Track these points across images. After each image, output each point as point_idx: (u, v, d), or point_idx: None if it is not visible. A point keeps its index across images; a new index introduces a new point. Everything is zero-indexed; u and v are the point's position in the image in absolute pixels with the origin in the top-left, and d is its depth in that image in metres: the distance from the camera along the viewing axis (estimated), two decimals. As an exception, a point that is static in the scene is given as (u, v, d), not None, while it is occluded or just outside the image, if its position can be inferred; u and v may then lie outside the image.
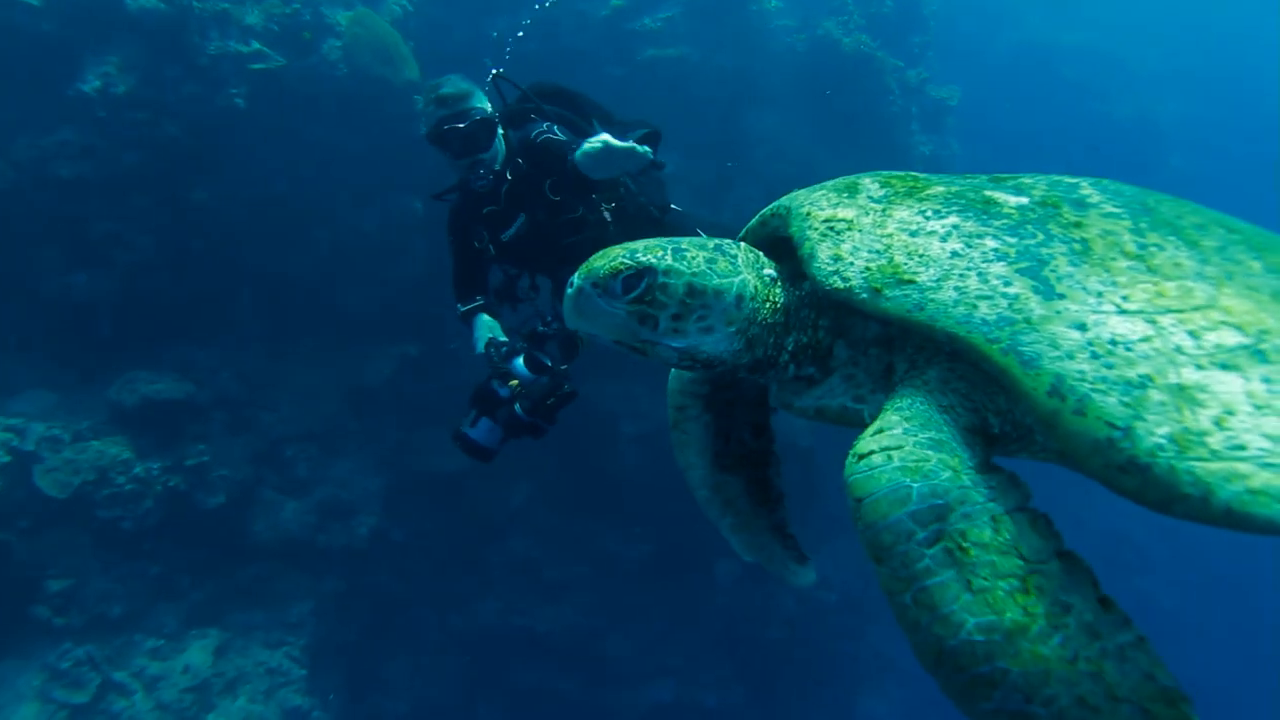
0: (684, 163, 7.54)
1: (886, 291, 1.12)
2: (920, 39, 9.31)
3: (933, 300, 1.09)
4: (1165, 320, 1.02)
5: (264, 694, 6.20)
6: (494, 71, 3.39)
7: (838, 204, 1.29)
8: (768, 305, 1.31)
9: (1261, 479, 0.90)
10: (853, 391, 1.32)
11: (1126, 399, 0.96)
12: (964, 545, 0.96)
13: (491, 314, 3.34)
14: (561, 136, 3.23)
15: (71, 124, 5.72)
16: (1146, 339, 1.01)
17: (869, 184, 1.32)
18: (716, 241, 1.33)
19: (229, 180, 6.24)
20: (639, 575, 8.66)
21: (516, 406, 2.82)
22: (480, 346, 3.10)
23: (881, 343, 1.29)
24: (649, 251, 1.25)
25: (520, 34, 6.32)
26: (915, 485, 1.01)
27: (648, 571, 8.65)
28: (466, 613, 8.24)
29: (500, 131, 3.22)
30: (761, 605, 8.96)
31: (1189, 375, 0.98)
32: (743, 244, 1.38)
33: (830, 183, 1.39)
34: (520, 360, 2.88)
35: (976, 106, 12.60)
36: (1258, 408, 0.95)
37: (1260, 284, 1.08)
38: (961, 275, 1.10)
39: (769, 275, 1.34)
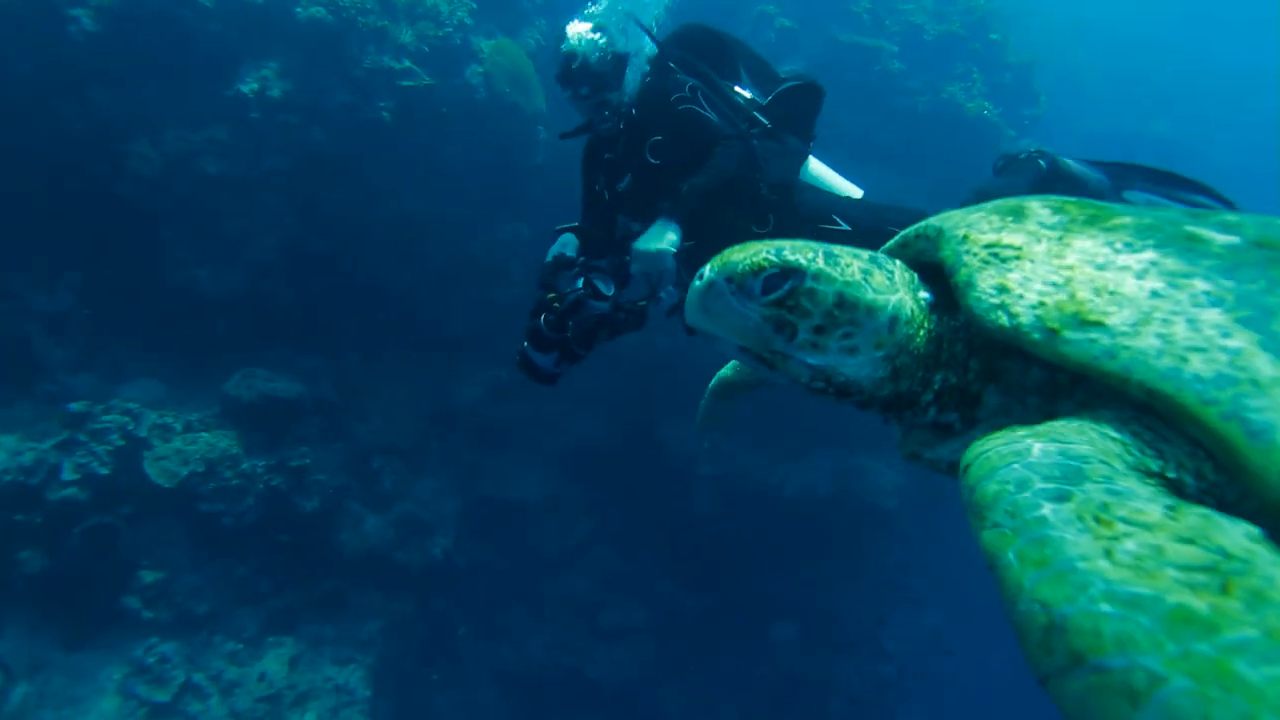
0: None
1: (1066, 333, 0.92)
2: (1031, 112, 9.34)
3: (1128, 347, 0.88)
4: None
5: (330, 712, 6.00)
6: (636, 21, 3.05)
7: (1002, 228, 1.10)
8: (922, 332, 1.13)
9: None
10: None
11: None
12: (1105, 517, 0.69)
13: (581, 239, 3.04)
14: (709, 113, 2.88)
15: (224, 122, 5.85)
16: None
17: (1038, 208, 1.13)
18: (873, 254, 1.16)
19: (361, 189, 6.33)
20: (697, 626, 8.39)
21: (542, 320, 2.61)
22: (548, 257, 2.89)
23: (1044, 391, 1.08)
24: (798, 251, 1.09)
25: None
26: (1041, 444, 0.81)
27: (706, 623, 8.38)
28: (517, 647, 8.01)
29: (632, 77, 2.96)
30: (821, 675, 8.60)
31: None
32: (899, 261, 1.20)
33: (989, 204, 1.20)
34: (579, 280, 2.67)
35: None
36: None
37: None
38: (1165, 320, 0.89)
39: (926, 299, 1.17)
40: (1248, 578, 0.61)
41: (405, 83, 6.07)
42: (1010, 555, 0.69)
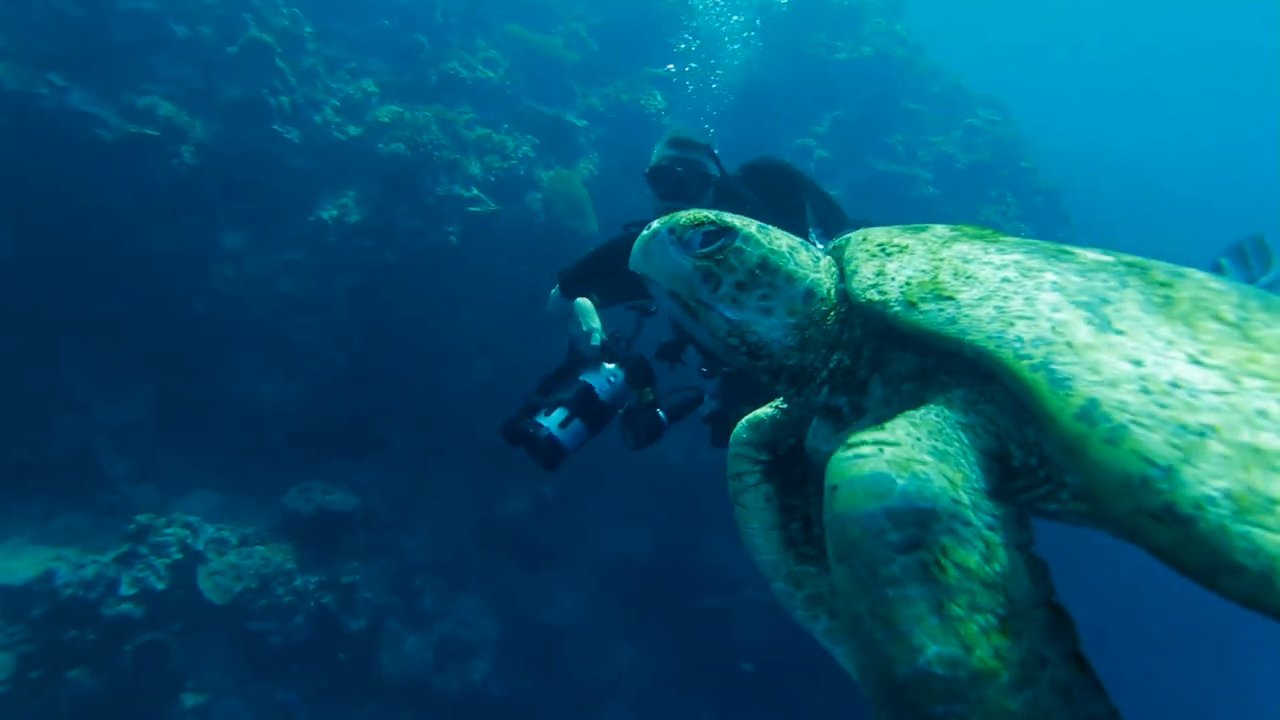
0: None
1: (921, 305, 1.05)
2: (1063, 234, 9.61)
3: (967, 315, 1.00)
4: (1251, 383, 0.88)
5: None
6: (712, 149, 3.16)
7: (898, 234, 1.25)
8: (833, 314, 1.23)
9: None
10: None
11: (1176, 440, 0.82)
12: (943, 563, 0.83)
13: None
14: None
15: (302, 245, 6.21)
16: (1220, 392, 0.87)
17: (938, 226, 1.27)
18: (805, 241, 1.29)
19: (424, 306, 6.58)
20: (745, 770, 7.81)
21: (660, 410, 2.57)
22: (596, 338, 2.71)
23: (918, 377, 1.17)
24: (736, 217, 1.23)
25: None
26: (901, 482, 0.87)
27: (756, 767, 7.80)
28: (555, 790, 7.47)
29: (711, 195, 3.01)
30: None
31: (1270, 441, 0.82)
32: (828, 257, 1.32)
33: (905, 226, 1.34)
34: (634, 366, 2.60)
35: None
36: None
37: None
38: (1006, 297, 1.01)
39: (841, 287, 1.26)
40: (1019, 621, 0.83)
41: (473, 209, 6.44)
42: (863, 607, 0.84)
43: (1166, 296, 1.01)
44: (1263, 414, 0.85)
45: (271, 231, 6.23)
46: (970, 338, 0.98)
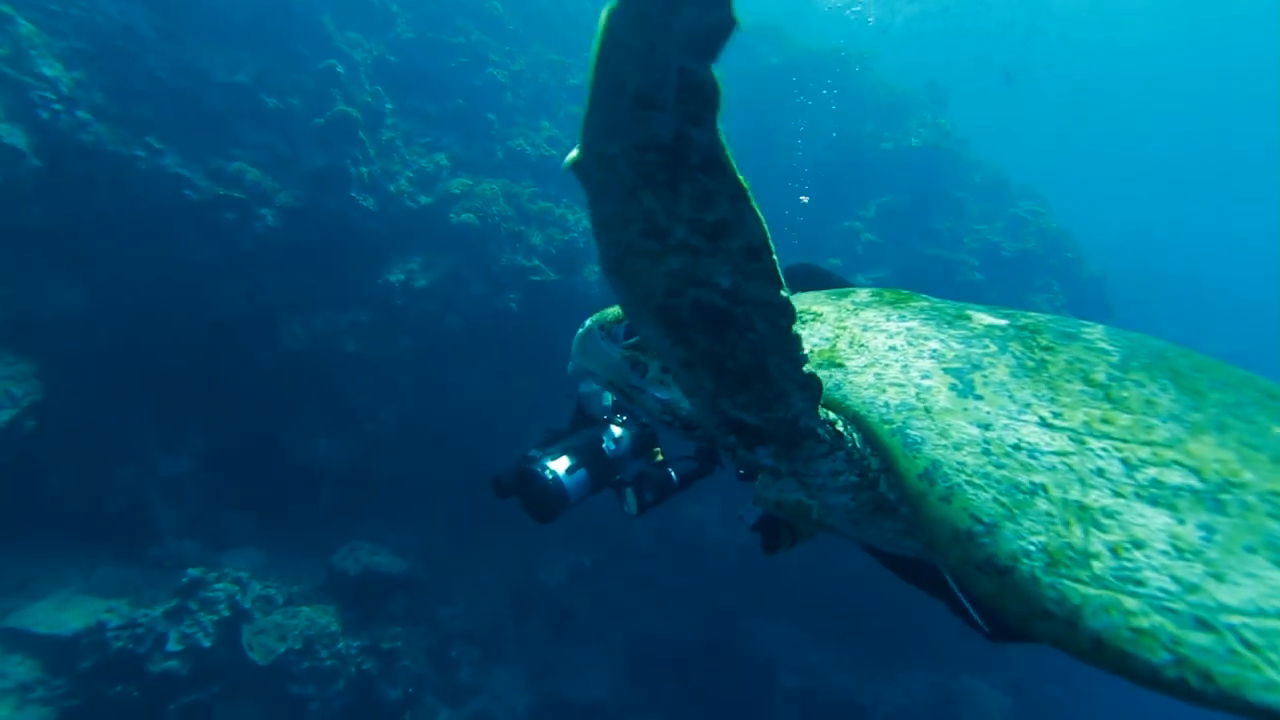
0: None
1: (818, 372, 1.14)
2: (1108, 322, 9.60)
3: (851, 383, 1.12)
4: (1096, 444, 0.97)
5: None
6: None
7: (820, 301, 1.35)
8: None
9: (1152, 621, 0.79)
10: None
11: (1004, 499, 0.91)
12: None
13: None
14: None
15: (368, 307, 6.36)
16: (1061, 453, 0.96)
17: (861, 292, 1.37)
18: None
19: (481, 370, 6.67)
20: None
21: (672, 471, 2.52)
22: (608, 398, 2.84)
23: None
24: None
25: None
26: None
27: None
28: None
29: None
30: None
31: (1098, 498, 0.90)
32: None
33: (833, 290, 1.44)
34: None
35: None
36: (1177, 551, 0.84)
37: (1268, 445, 0.97)
38: (886, 365, 1.12)
39: None
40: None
41: (534, 278, 6.60)
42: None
43: (1042, 361, 1.11)
44: (1099, 472, 0.93)
45: (341, 293, 6.41)
46: (849, 403, 1.11)
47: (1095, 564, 0.85)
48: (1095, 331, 1.22)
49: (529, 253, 6.72)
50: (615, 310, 1.35)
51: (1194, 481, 0.92)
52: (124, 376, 6.08)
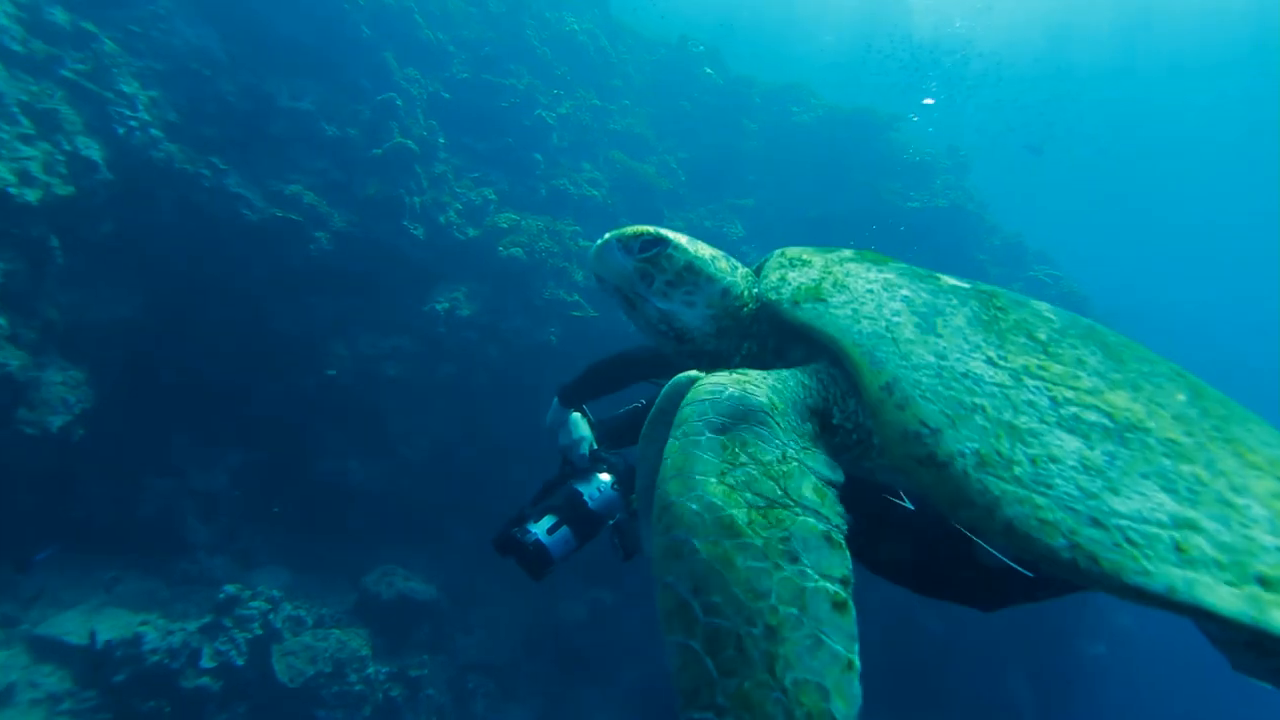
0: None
1: (803, 304, 1.34)
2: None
3: (830, 314, 1.29)
4: (1030, 382, 1.15)
5: None
6: None
7: (807, 252, 1.52)
8: (746, 310, 1.49)
9: (1056, 515, 0.98)
10: None
11: (948, 412, 1.09)
12: (739, 449, 1.07)
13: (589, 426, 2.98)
14: None
15: (410, 334, 6.46)
16: (1000, 385, 1.14)
17: (845, 250, 1.55)
18: (725, 252, 1.57)
19: (517, 401, 6.74)
20: None
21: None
22: (585, 447, 2.76)
23: (804, 363, 1.41)
24: (671, 231, 1.49)
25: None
26: (732, 390, 1.16)
27: None
28: None
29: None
30: None
31: (1026, 421, 1.09)
32: (745, 267, 1.61)
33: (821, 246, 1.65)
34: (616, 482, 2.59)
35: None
36: (1084, 468, 1.03)
37: (1170, 406, 1.17)
38: (862, 303, 1.30)
39: (756, 292, 1.52)
40: (783, 511, 0.99)
41: (575, 313, 6.73)
42: (668, 456, 1.06)
43: (995, 316, 1.30)
44: (1030, 404, 1.13)
45: (386, 317, 6.52)
46: (826, 328, 1.28)
47: (1016, 468, 1.03)
48: (1043, 305, 1.43)
49: (571, 288, 6.86)
50: (634, 228, 1.53)
51: (1106, 421, 1.13)
52: (166, 388, 6.13)
